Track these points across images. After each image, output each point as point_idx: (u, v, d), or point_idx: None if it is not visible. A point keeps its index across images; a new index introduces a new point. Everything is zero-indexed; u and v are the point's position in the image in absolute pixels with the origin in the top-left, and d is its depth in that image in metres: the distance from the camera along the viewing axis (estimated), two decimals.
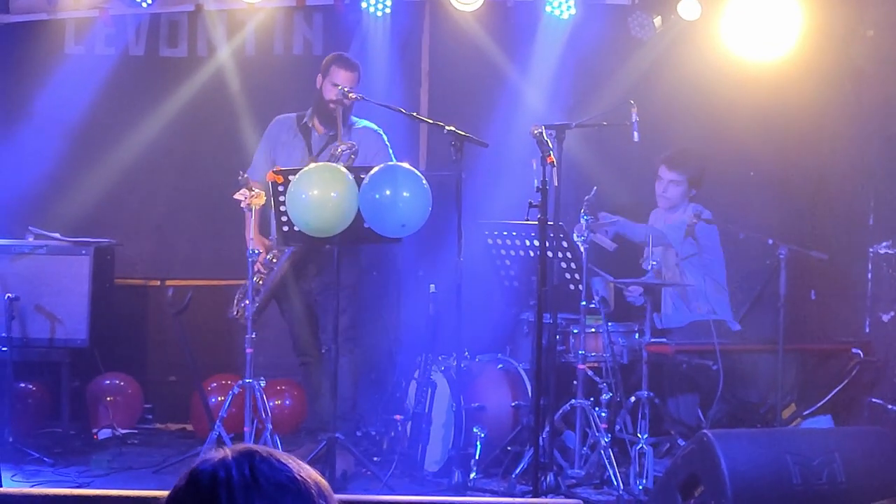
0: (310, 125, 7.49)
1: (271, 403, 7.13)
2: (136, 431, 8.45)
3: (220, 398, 7.93)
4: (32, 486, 6.69)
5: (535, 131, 6.48)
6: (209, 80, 8.97)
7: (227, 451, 1.95)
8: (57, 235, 8.12)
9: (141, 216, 9.17)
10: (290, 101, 8.13)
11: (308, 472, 1.95)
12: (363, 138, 7.38)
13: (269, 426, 6.81)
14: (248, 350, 6.88)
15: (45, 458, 7.37)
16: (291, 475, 1.92)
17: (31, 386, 8.13)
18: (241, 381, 6.91)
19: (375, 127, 7.41)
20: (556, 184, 6.45)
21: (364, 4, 8.70)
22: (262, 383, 6.89)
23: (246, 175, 6.87)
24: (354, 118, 7.53)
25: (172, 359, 8.79)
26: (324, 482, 1.96)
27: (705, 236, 7.91)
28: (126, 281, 8.80)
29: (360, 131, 7.45)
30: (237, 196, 6.86)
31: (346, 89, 7.22)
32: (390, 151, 7.33)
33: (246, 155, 8.29)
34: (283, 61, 9.05)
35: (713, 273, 8.03)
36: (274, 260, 7.29)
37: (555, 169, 6.37)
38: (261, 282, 7.26)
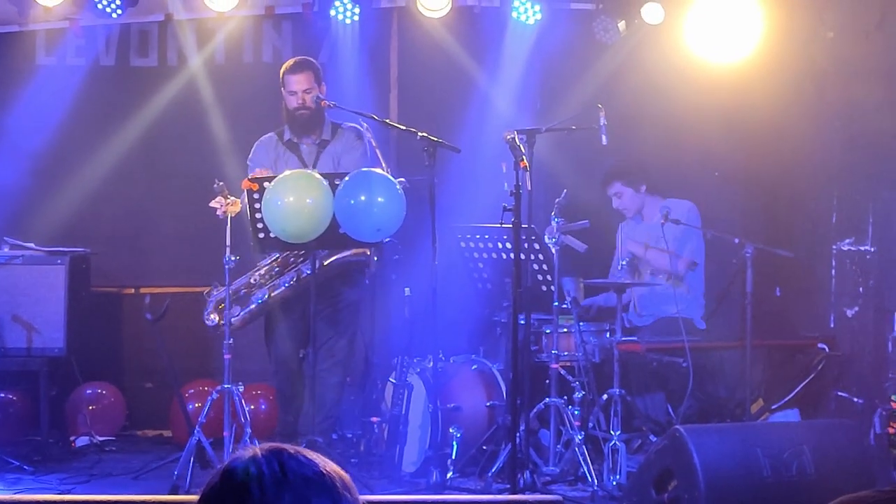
0: (295, 140, 7.52)
1: (248, 408, 7.20)
2: (113, 438, 8.49)
3: (197, 404, 8.00)
4: (15, 494, 6.76)
5: (508, 137, 6.58)
6: (180, 89, 9.04)
7: (256, 450, 2.07)
8: (32, 245, 8.17)
9: (115, 225, 9.22)
10: (261, 108, 8.24)
11: (333, 467, 2.07)
12: (347, 140, 7.49)
13: (248, 430, 6.89)
14: (227, 356, 6.96)
15: (25, 466, 7.41)
16: (318, 470, 2.03)
17: (9, 395, 8.16)
18: (219, 387, 6.99)
19: (357, 125, 7.46)
20: (530, 188, 6.57)
21: (333, 12, 8.73)
22: (241, 388, 6.99)
23: (221, 183, 6.93)
24: (337, 122, 7.58)
25: (148, 365, 8.87)
26: (347, 476, 2.08)
27: (677, 233, 8.02)
28: (101, 289, 8.86)
29: (345, 134, 7.54)
30: (213, 204, 6.94)
31: (320, 97, 7.31)
32: (375, 150, 7.28)
33: (219, 162, 8.41)
34: (253, 69, 9.14)
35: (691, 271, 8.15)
36: (294, 281, 7.33)
37: (527, 173, 6.50)
38: (270, 295, 7.29)
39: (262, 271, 7.33)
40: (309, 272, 7.10)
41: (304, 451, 2.07)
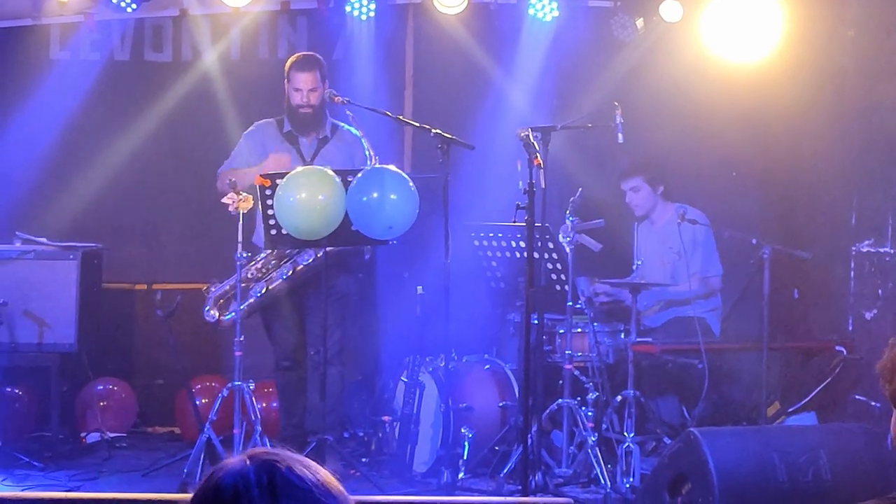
0: (295, 133, 7.46)
1: (258, 406, 7.15)
2: (124, 435, 8.45)
3: (204, 400, 7.95)
4: (23, 490, 6.73)
5: (522, 134, 6.52)
6: (195, 84, 9.00)
7: (246, 460, 2.01)
8: (44, 240, 8.14)
9: (128, 220, 9.20)
10: (275, 104, 8.15)
11: (324, 478, 2.01)
12: (346, 140, 7.41)
13: (259, 428, 6.85)
14: (238, 353, 6.91)
15: (35, 463, 7.38)
16: (308, 485, 1.98)
17: (19, 391, 8.11)
18: (230, 384, 6.94)
19: (355, 131, 7.35)
20: (543, 186, 6.50)
21: (348, 8, 8.69)
22: (252, 385, 6.94)
23: (234, 179, 6.88)
24: (337, 122, 7.51)
25: (159, 362, 8.82)
26: (340, 487, 2.02)
27: (697, 234, 7.95)
28: (113, 285, 8.81)
29: (344, 135, 7.46)
30: (225, 200, 6.87)
31: (332, 92, 7.23)
32: (367, 154, 7.13)
33: None
34: (268, 65, 9.07)
35: (706, 272, 8.06)
36: (291, 273, 7.26)
37: (542, 171, 6.43)
38: (268, 287, 7.23)
39: (259, 264, 7.27)
40: (304, 263, 7.12)
41: (296, 463, 2.01)
